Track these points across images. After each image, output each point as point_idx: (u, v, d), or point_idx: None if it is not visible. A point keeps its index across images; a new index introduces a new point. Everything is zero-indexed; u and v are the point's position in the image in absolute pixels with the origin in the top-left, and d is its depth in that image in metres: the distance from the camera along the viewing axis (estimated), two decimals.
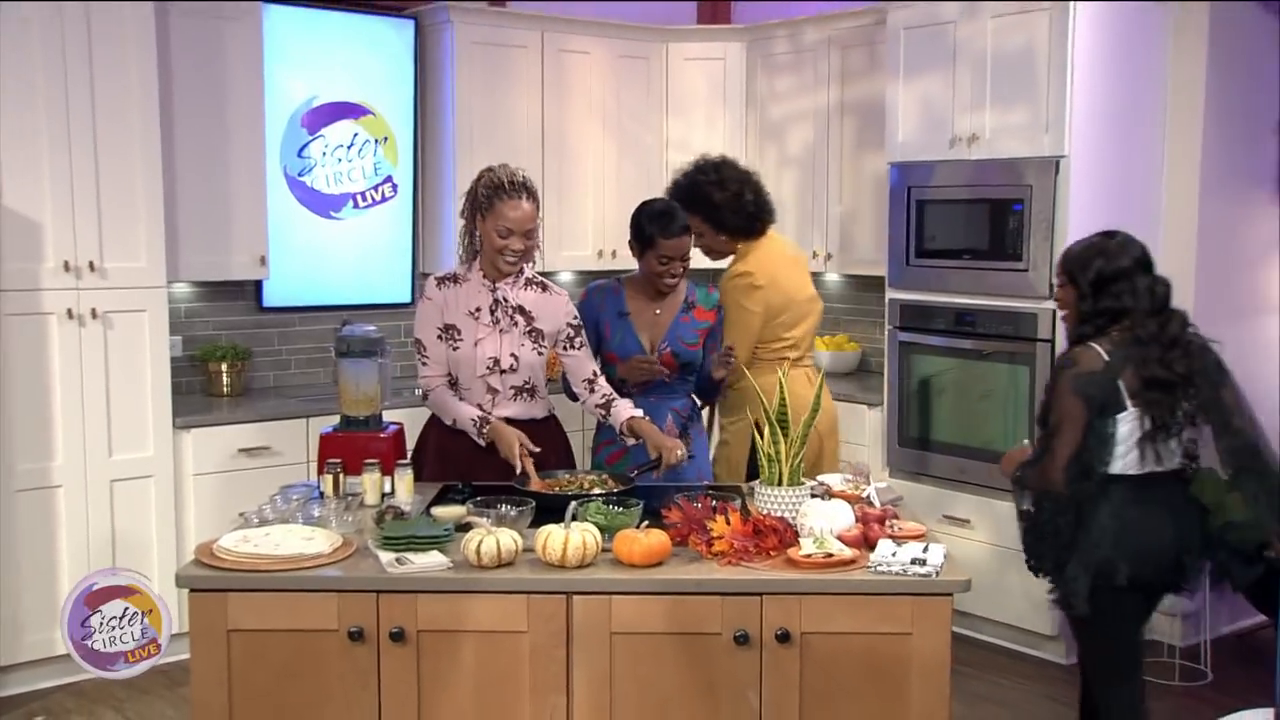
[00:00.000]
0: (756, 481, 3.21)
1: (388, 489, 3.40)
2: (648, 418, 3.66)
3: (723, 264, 4.43)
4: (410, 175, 5.89)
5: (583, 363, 3.76)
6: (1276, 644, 3.39)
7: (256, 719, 2.84)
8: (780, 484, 3.11)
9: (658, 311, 3.91)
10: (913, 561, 2.81)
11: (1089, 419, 3.22)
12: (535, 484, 3.43)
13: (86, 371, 4.67)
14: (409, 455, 3.69)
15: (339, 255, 5.74)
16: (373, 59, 5.73)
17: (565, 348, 3.74)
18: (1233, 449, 3.33)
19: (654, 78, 6.24)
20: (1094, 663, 3.47)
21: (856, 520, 3.02)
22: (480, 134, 5.69)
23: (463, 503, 3.24)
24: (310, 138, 5.61)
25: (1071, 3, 4.63)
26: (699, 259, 4.26)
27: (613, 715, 2.82)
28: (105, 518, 4.74)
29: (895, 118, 5.29)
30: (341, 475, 3.35)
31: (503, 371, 3.64)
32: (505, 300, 3.64)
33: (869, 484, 3.38)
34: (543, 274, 3.83)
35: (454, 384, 3.68)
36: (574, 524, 2.87)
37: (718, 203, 4.24)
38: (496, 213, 3.53)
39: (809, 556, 2.84)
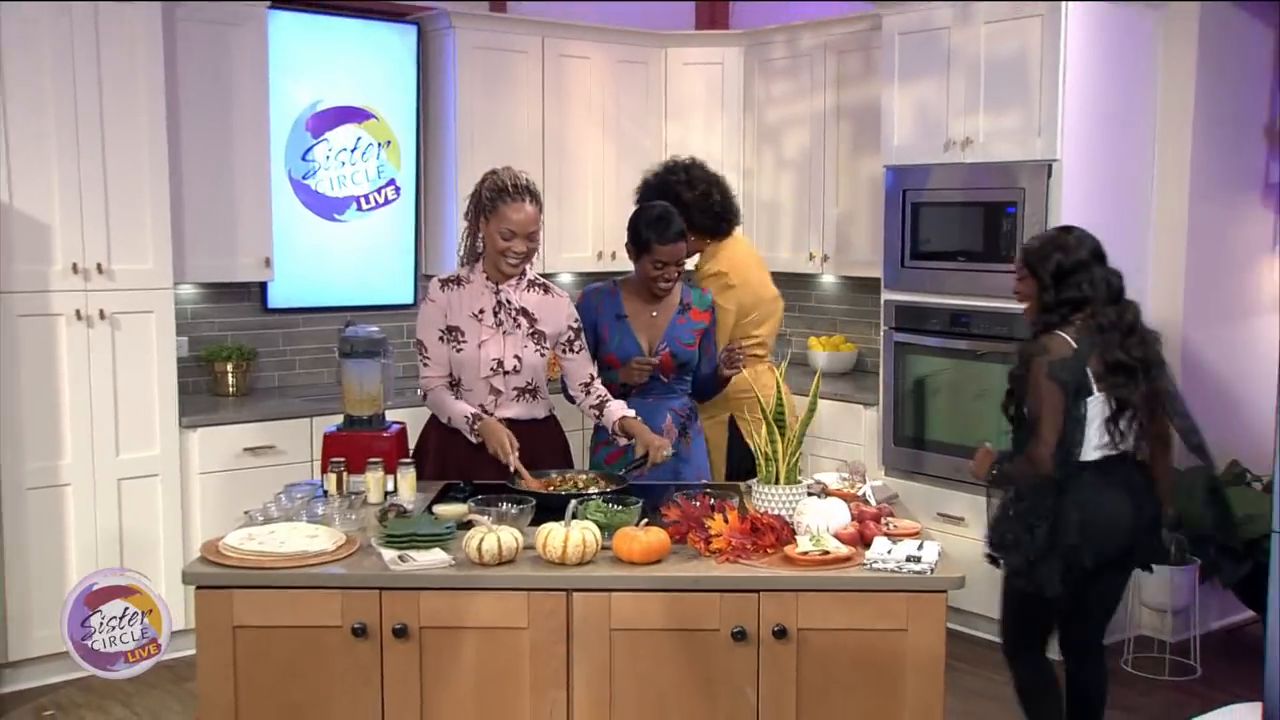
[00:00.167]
0: (754, 480, 3.21)
1: (390, 487, 3.39)
2: (639, 418, 3.67)
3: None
4: (413, 178, 5.89)
5: (581, 365, 3.76)
6: (1264, 639, 3.41)
7: (262, 714, 2.84)
8: (777, 482, 3.11)
9: (654, 314, 3.91)
10: (908, 559, 2.81)
11: (1066, 404, 3.33)
12: (528, 481, 3.42)
13: (94, 372, 4.67)
14: (410, 454, 3.69)
15: (342, 257, 5.74)
16: (376, 64, 5.73)
17: (565, 350, 3.74)
18: (1185, 430, 3.54)
19: (653, 82, 6.24)
20: (1020, 630, 3.62)
21: (852, 518, 3.01)
22: (481, 137, 5.69)
23: (464, 501, 3.23)
24: (314, 141, 5.60)
25: (1064, 4, 4.63)
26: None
27: (612, 710, 2.82)
28: (113, 515, 4.74)
29: (890, 122, 5.29)
30: (345, 474, 3.35)
31: (506, 373, 3.63)
32: (508, 302, 3.64)
33: (865, 482, 3.39)
34: (543, 275, 3.83)
35: (456, 385, 3.67)
36: (574, 522, 2.87)
37: (687, 201, 4.30)
38: (500, 215, 3.52)
39: (806, 554, 2.84)
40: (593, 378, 3.77)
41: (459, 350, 3.62)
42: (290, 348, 5.71)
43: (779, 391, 3.21)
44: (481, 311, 3.62)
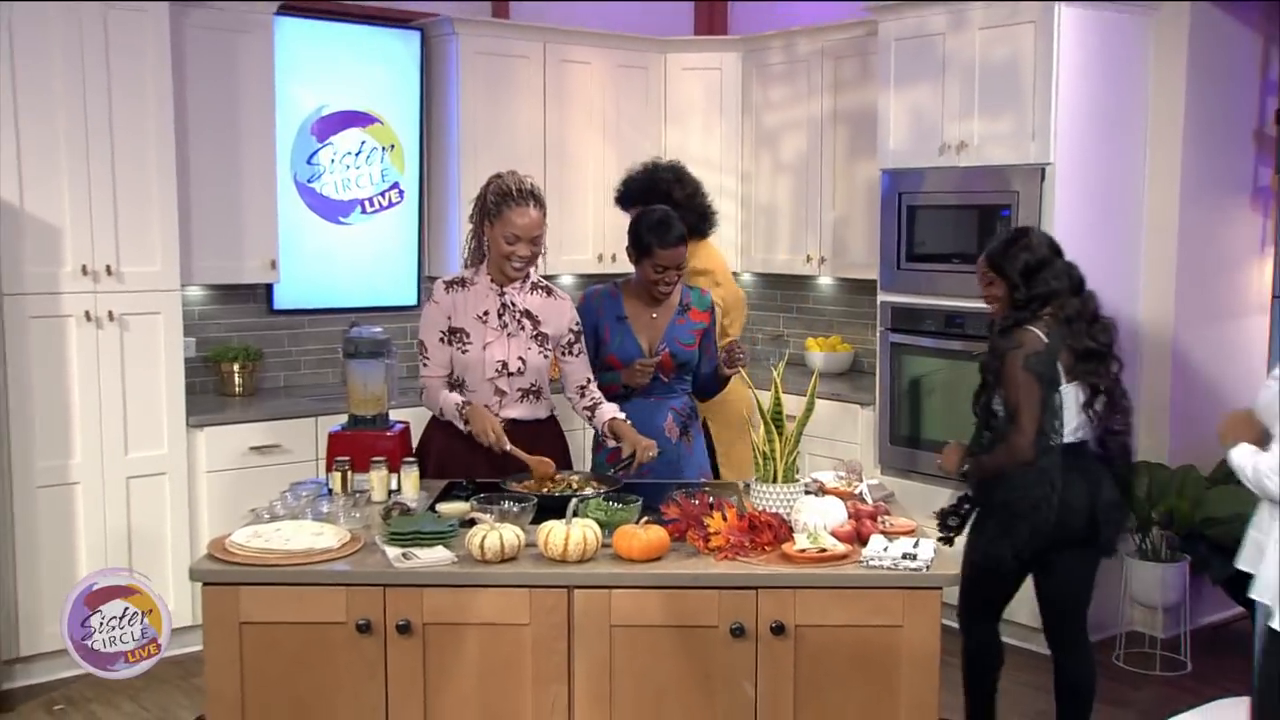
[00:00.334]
0: (752, 479, 3.21)
1: (394, 486, 3.39)
2: (628, 420, 3.67)
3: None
4: (416, 181, 5.88)
5: (579, 368, 3.75)
6: (1253, 635, 3.41)
7: (268, 708, 2.84)
8: (775, 481, 3.11)
9: (654, 315, 3.90)
10: (904, 556, 2.80)
11: (1043, 395, 3.42)
12: (520, 456, 3.42)
13: (104, 372, 4.67)
14: (413, 453, 3.68)
15: (347, 259, 5.73)
16: (380, 69, 5.73)
17: (564, 353, 3.73)
18: (1129, 425, 3.65)
19: (652, 87, 6.24)
20: (976, 601, 3.74)
21: (849, 516, 3.01)
22: (484, 141, 5.69)
23: (467, 499, 3.23)
24: (319, 145, 5.60)
25: (1057, 10, 4.63)
26: None
27: (612, 705, 2.82)
28: (121, 513, 4.74)
29: (886, 126, 5.29)
30: (349, 472, 3.35)
31: (510, 374, 3.63)
32: (513, 305, 3.63)
33: (861, 481, 3.39)
34: (544, 277, 3.82)
35: (459, 386, 3.66)
36: (575, 520, 2.87)
37: (678, 200, 4.30)
38: (504, 219, 3.52)
39: (803, 551, 2.84)
40: (589, 381, 3.77)
41: (464, 352, 3.61)
42: (296, 348, 5.70)
43: (776, 391, 3.21)
44: (486, 314, 3.61)
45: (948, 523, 3.67)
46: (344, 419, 3.82)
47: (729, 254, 6.28)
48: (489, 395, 3.63)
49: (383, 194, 5.81)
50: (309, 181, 5.59)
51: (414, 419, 3.91)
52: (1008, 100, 4.83)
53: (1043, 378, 3.43)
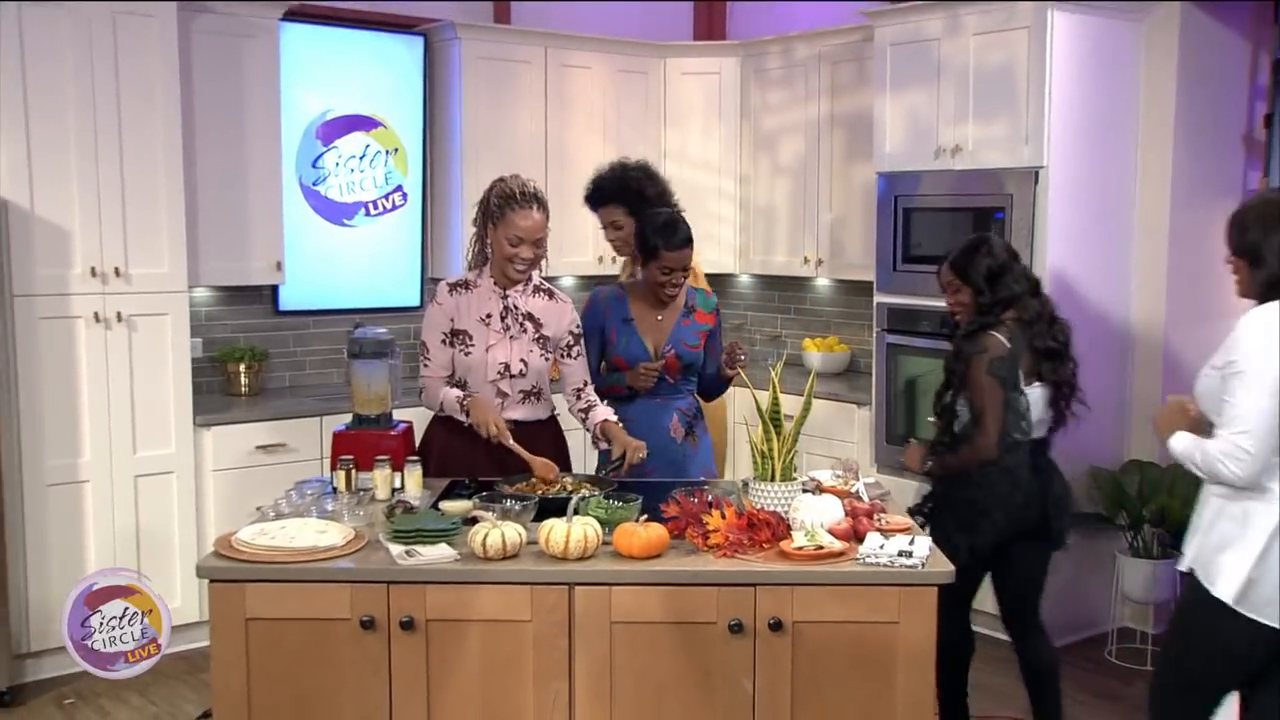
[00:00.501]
0: (751, 477, 3.20)
1: (398, 484, 3.38)
2: (620, 423, 3.66)
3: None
4: (419, 184, 5.88)
5: (577, 371, 3.74)
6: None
7: (273, 703, 2.83)
8: (773, 480, 3.10)
9: (659, 317, 3.89)
10: (900, 553, 2.80)
11: (1006, 396, 3.50)
12: (524, 456, 3.41)
13: (112, 372, 4.66)
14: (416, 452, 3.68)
15: (351, 261, 5.73)
16: (384, 74, 5.72)
17: (563, 355, 3.72)
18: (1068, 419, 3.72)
19: (652, 91, 6.23)
20: (944, 598, 3.78)
21: (846, 514, 3.00)
22: (486, 145, 5.69)
23: (469, 497, 3.23)
24: (324, 149, 5.60)
25: (1050, 17, 4.63)
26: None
27: (612, 701, 2.81)
28: (130, 511, 4.73)
29: (883, 130, 5.28)
30: (353, 471, 3.34)
31: (512, 376, 3.62)
32: (515, 307, 3.62)
33: (858, 480, 3.38)
34: (546, 279, 3.81)
35: (461, 387, 3.65)
36: (576, 518, 2.86)
37: (650, 198, 4.24)
38: (508, 221, 3.51)
39: (800, 549, 2.83)
40: (586, 383, 3.75)
41: (467, 354, 3.60)
42: (301, 349, 5.70)
43: (774, 391, 3.21)
44: (489, 316, 3.60)
45: (915, 520, 3.66)
46: (348, 418, 3.81)
47: (728, 256, 6.30)
48: (491, 397, 3.61)
49: (386, 197, 5.80)
50: (314, 184, 5.59)
51: (417, 418, 3.90)
52: (1002, 104, 4.82)
53: (1005, 381, 3.50)
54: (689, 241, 3.80)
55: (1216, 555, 2.81)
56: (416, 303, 5.91)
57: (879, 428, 5.36)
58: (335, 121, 5.61)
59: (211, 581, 2.83)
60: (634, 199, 4.16)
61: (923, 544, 2.85)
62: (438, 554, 2.84)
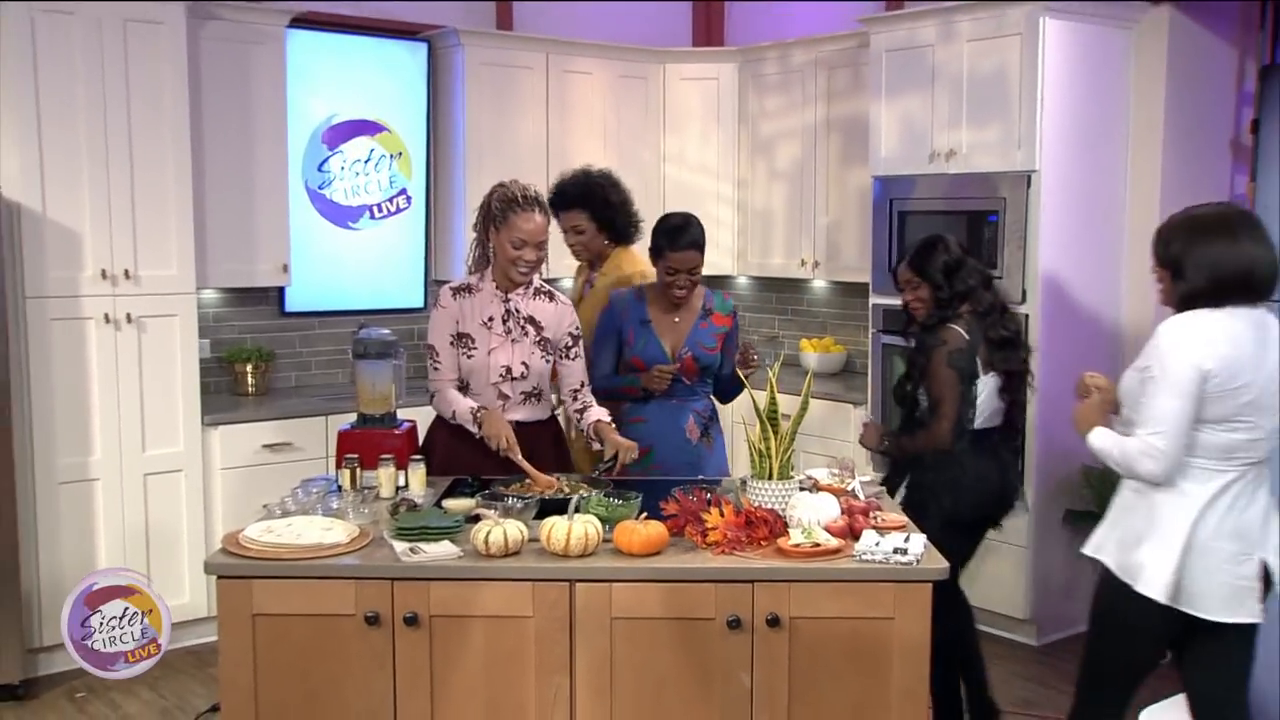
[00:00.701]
0: (749, 476, 3.20)
1: (402, 482, 3.38)
2: (612, 423, 3.64)
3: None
4: (423, 188, 5.87)
5: (574, 372, 3.72)
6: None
7: (280, 697, 2.83)
8: (771, 478, 3.10)
9: (676, 319, 3.88)
10: (895, 551, 2.79)
11: (963, 387, 3.61)
12: (529, 471, 3.38)
13: (122, 372, 4.66)
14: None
15: (356, 263, 5.72)
16: (388, 79, 5.72)
17: (561, 356, 3.71)
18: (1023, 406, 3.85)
19: (652, 96, 6.23)
20: None
21: (842, 512, 3.00)
22: (489, 149, 5.68)
23: (472, 496, 3.22)
24: (330, 153, 5.59)
25: (1042, 24, 4.63)
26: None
27: (613, 695, 2.81)
28: (139, 509, 4.73)
29: (878, 134, 5.28)
30: (358, 469, 3.34)
31: (514, 378, 3.61)
32: (517, 310, 3.61)
33: (854, 478, 3.38)
34: (546, 281, 3.81)
35: (465, 389, 3.65)
36: (577, 515, 2.86)
37: (614, 204, 4.24)
38: (510, 224, 3.50)
39: (798, 546, 2.83)
40: (583, 385, 3.74)
41: (469, 357, 3.59)
42: (306, 349, 5.69)
43: (771, 391, 3.21)
44: (491, 319, 3.59)
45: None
46: (353, 418, 3.80)
47: (726, 259, 6.29)
48: (493, 399, 3.60)
49: (391, 200, 5.80)
50: (320, 188, 5.58)
51: (421, 418, 3.89)
52: (995, 110, 4.82)
53: (964, 372, 3.62)
54: (695, 244, 3.79)
55: (1133, 551, 2.88)
56: (420, 304, 5.90)
57: None
58: (341, 126, 5.61)
59: (219, 578, 2.83)
60: (599, 205, 4.15)
61: (917, 541, 2.85)
62: (441, 551, 2.83)
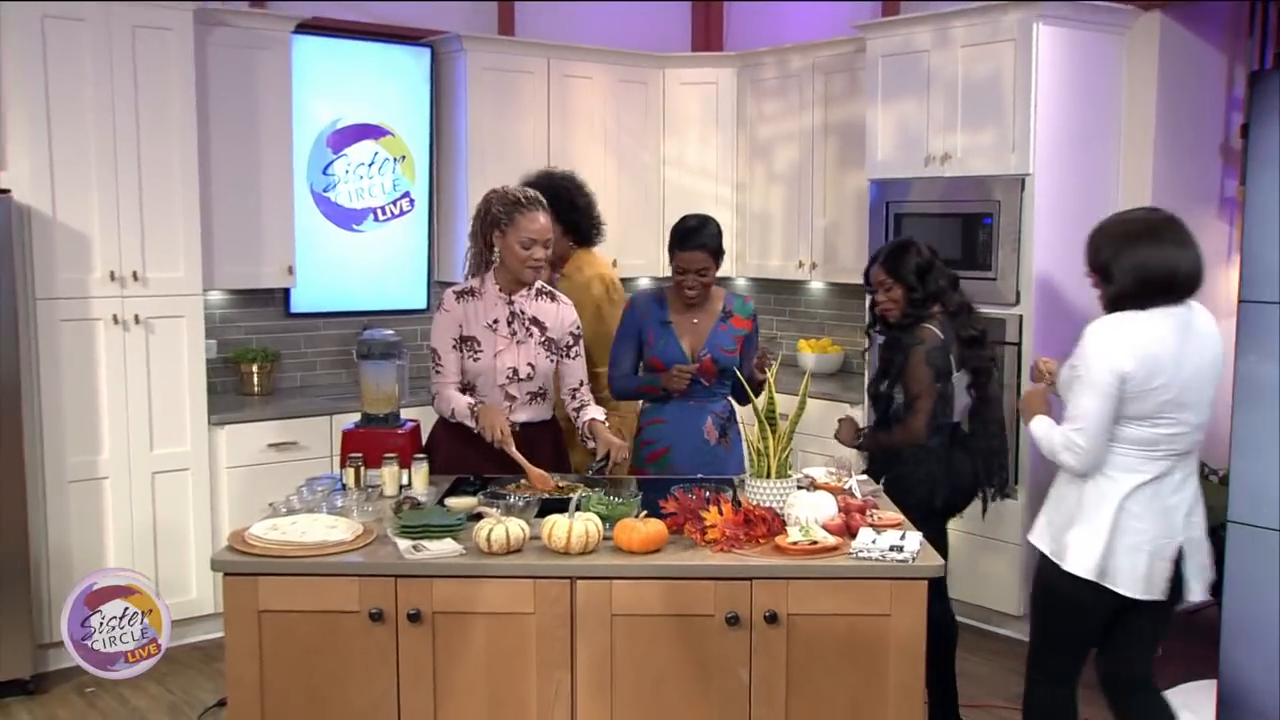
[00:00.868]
0: (747, 474, 3.19)
1: (405, 481, 3.38)
2: (606, 422, 3.65)
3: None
4: (426, 191, 5.87)
5: (575, 371, 3.72)
6: (1220, 622, 3.41)
7: (286, 692, 2.83)
8: (769, 477, 3.10)
9: (695, 320, 3.88)
10: (891, 548, 2.79)
11: (939, 384, 3.68)
12: (525, 466, 3.37)
13: (130, 372, 4.66)
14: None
15: (360, 265, 5.72)
16: (392, 84, 5.71)
17: (562, 355, 3.70)
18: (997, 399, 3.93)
19: (651, 100, 6.22)
20: None
21: (839, 510, 3.00)
22: (491, 153, 5.68)
23: (474, 494, 3.22)
24: (334, 157, 5.59)
25: (1035, 30, 4.63)
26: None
27: (613, 691, 2.81)
28: (147, 507, 4.73)
29: (874, 138, 5.28)
30: (362, 468, 3.34)
31: (520, 380, 3.60)
32: (522, 312, 3.61)
33: (851, 477, 3.38)
34: (547, 282, 3.80)
35: (469, 390, 3.63)
36: (577, 514, 2.86)
37: (580, 206, 4.23)
38: (517, 225, 3.50)
39: (795, 544, 2.82)
40: (582, 384, 3.73)
41: (475, 360, 3.58)
42: (311, 350, 5.69)
43: (769, 391, 3.21)
44: (496, 322, 3.58)
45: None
46: (357, 417, 3.81)
47: (725, 260, 6.27)
48: (499, 400, 3.59)
49: (394, 203, 5.80)
50: (324, 191, 5.58)
51: (424, 417, 3.89)
52: (989, 114, 4.82)
53: (940, 370, 3.68)
54: (704, 246, 3.78)
55: (1063, 533, 3.05)
56: (423, 305, 5.90)
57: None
58: (345, 130, 5.61)
59: (226, 575, 2.83)
60: (565, 207, 4.13)
61: (913, 539, 2.85)
62: (444, 549, 2.83)
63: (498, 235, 3.53)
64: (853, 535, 2.91)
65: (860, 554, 2.80)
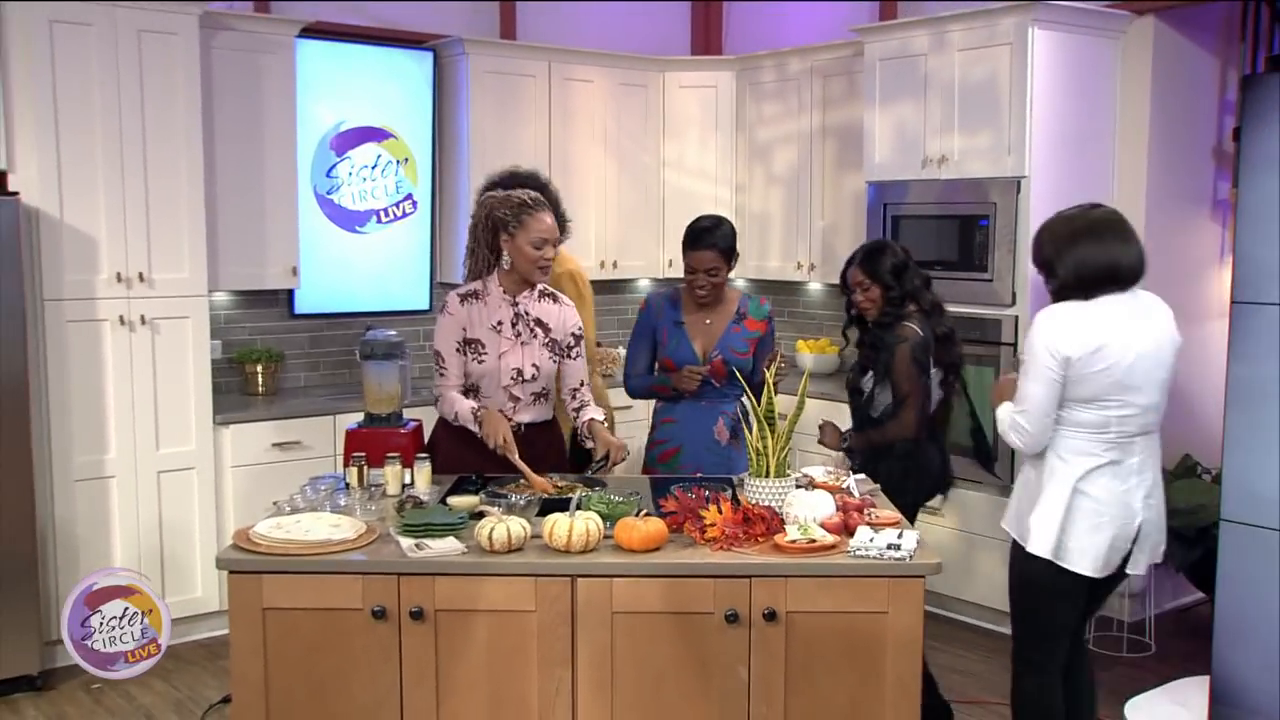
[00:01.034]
0: (746, 473, 3.19)
1: (407, 480, 3.37)
2: (605, 422, 3.64)
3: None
4: (429, 193, 5.87)
5: (575, 371, 3.71)
6: (1213, 619, 3.41)
7: (289, 688, 2.83)
8: (768, 476, 3.10)
9: (708, 321, 3.87)
10: (889, 546, 2.79)
11: (924, 379, 3.76)
12: (526, 472, 3.36)
13: (136, 373, 4.66)
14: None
15: (363, 266, 5.72)
16: (395, 87, 5.71)
17: (564, 356, 3.70)
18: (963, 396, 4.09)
19: (651, 103, 6.22)
20: None
21: (837, 509, 3.00)
22: (493, 155, 5.66)
23: (476, 493, 3.22)
24: (338, 159, 5.59)
25: (1031, 30, 4.63)
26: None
27: (613, 688, 2.81)
28: (153, 505, 4.73)
29: (872, 140, 5.28)
30: (365, 467, 3.34)
31: (524, 381, 3.60)
32: (526, 314, 3.60)
33: (849, 476, 3.38)
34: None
35: (473, 392, 3.62)
36: (578, 512, 2.85)
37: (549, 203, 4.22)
38: (528, 227, 3.50)
39: (794, 542, 2.82)
40: (582, 384, 3.73)
41: (480, 362, 3.57)
42: (315, 350, 5.69)
43: (768, 391, 3.21)
44: (500, 323, 3.58)
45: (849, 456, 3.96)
46: (360, 417, 3.81)
47: None
48: (503, 401, 3.58)
49: (397, 205, 5.79)
50: (328, 193, 5.58)
51: (426, 417, 3.89)
52: (986, 117, 4.82)
53: (923, 365, 3.76)
54: (713, 246, 3.79)
55: (1025, 516, 3.15)
56: (426, 306, 5.90)
57: None
58: (348, 133, 5.61)
59: (230, 573, 2.83)
60: None
61: (910, 537, 2.85)
62: (446, 547, 2.83)
63: (505, 238, 3.52)
64: (850, 534, 2.90)
65: (858, 552, 2.80)
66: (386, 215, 5.77)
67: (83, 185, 4.50)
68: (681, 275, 3.96)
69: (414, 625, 2.79)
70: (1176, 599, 5.19)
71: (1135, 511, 3.10)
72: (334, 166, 5.58)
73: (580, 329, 3.73)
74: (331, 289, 5.65)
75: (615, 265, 6.06)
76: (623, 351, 6.02)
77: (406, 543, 2.85)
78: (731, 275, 6.28)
